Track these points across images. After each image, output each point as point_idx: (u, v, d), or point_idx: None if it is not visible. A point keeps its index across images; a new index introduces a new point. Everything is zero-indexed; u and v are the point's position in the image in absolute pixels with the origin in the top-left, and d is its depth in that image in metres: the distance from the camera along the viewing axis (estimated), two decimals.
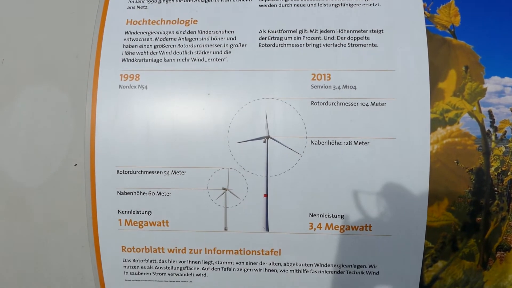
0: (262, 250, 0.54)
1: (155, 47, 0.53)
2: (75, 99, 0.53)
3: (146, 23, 0.54)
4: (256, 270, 0.54)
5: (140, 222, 0.53)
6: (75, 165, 0.53)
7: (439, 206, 0.50)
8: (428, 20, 0.52)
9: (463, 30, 0.51)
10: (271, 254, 0.54)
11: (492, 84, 0.50)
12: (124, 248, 0.54)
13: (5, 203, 0.54)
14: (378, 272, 0.53)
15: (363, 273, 0.53)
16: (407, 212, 0.51)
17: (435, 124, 0.50)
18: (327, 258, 0.53)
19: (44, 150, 0.53)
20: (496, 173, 0.50)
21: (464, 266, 0.52)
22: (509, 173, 0.50)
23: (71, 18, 0.54)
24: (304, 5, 0.54)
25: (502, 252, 0.51)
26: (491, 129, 0.50)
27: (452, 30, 0.52)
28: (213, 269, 0.54)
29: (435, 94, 0.50)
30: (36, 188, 0.53)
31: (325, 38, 0.52)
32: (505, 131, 0.50)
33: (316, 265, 0.53)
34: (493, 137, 0.50)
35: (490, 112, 0.50)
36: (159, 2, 0.55)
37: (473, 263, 0.52)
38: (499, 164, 0.50)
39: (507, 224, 0.51)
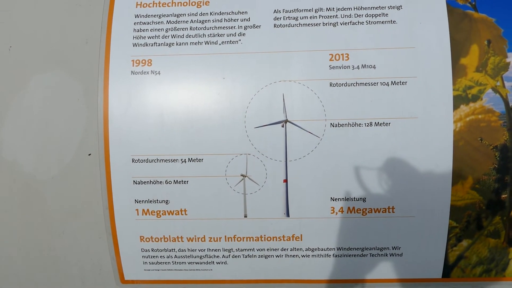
0: (283, 236, 0.53)
1: (166, 31, 0.51)
2: (87, 87, 0.51)
3: (156, 6, 0.52)
4: (277, 256, 0.53)
5: (158, 212, 0.52)
6: (89, 154, 0.51)
7: (463, 185, 0.50)
8: None
9: (484, 2, 0.50)
10: (293, 240, 0.53)
11: None
12: (142, 238, 0.53)
13: (19, 194, 0.53)
14: (402, 254, 0.52)
15: (386, 255, 0.52)
16: (431, 192, 0.50)
17: (457, 101, 0.49)
18: (350, 242, 0.52)
19: (56, 140, 0.51)
20: None
21: (489, 244, 0.51)
22: None
23: (79, 1, 0.52)
24: None
25: None
26: None
27: (473, 3, 0.50)
28: (234, 256, 0.54)
29: (457, 70, 0.49)
30: (50, 179, 0.52)
31: (342, 16, 0.51)
32: None
33: (339, 249, 0.53)
34: None
35: None
36: None
37: (498, 241, 0.51)
38: None
39: None
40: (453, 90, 0.49)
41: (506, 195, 0.50)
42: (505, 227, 0.51)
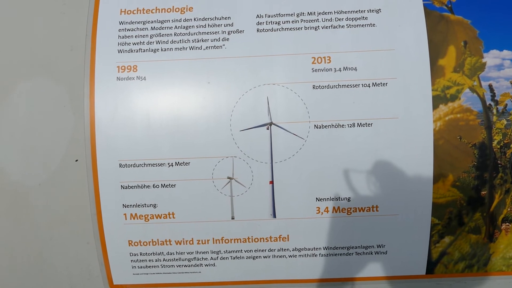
0: (270, 237, 0.53)
1: (151, 37, 0.52)
2: (73, 93, 0.51)
3: (140, 12, 0.53)
4: (265, 257, 0.54)
5: (146, 216, 0.53)
6: (76, 160, 0.52)
7: (444, 182, 0.51)
8: None
9: (460, 5, 0.51)
10: (280, 241, 0.54)
11: (491, 58, 0.50)
12: (130, 242, 0.54)
13: (6, 202, 0.53)
14: (386, 252, 0.53)
15: (371, 253, 0.53)
16: (413, 190, 0.51)
17: (437, 101, 0.50)
18: (336, 241, 0.53)
19: (43, 147, 0.52)
20: (498, 147, 0.50)
21: (471, 239, 0.52)
22: (511, 145, 0.50)
23: (63, 9, 0.53)
24: None
25: (507, 223, 0.52)
26: (492, 103, 0.50)
27: (449, 5, 0.52)
28: (222, 258, 0.54)
29: (436, 71, 0.50)
30: (36, 186, 0.52)
31: (323, 20, 0.52)
32: (506, 104, 0.50)
33: (325, 248, 0.53)
34: (494, 111, 0.50)
35: (490, 86, 0.50)
36: None
37: (479, 236, 0.52)
38: (501, 137, 0.50)
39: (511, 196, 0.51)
40: (432, 90, 0.50)
41: (485, 192, 0.51)
42: (485, 223, 0.52)
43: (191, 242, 0.54)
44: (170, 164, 0.51)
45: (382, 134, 0.50)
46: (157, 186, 0.52)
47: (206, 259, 0.54)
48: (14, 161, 0.52)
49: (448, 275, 0.54)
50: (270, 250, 0.54)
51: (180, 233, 0.53)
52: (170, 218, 0.53)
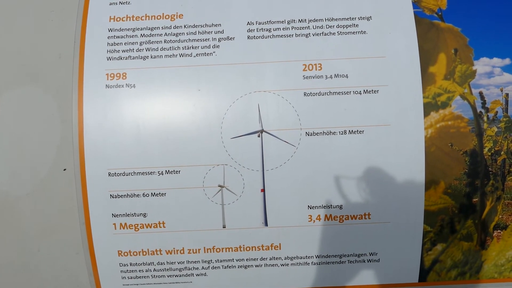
0: (262, 246, 0.53)
1: (141, 44, 0.52)
2: (61, 101, 0.51)
3: (130, 20, 0.52)
4: (256, 266, 0.54)
5: (136, 225, 0.52)
6: (64, 169, 0.51)
7: (435, 189, 0.51)
8: (415, 4, 0.52)
9: (450, 12, 0.52)
10: (271, 249, 0.53)
11: (482, 65, 0.50)
12: (120, 252, 0.53)
13: None
14: (379, 260, 0.53)
15: (363, 261, 0.53)
16: (405, 197, 0.51)
17: (428, 108, 0.50)
18: (328, 249, 0.53)
19: (30, 156, 0.51)
20: (489, 154, 0.50)
21: (463, 247, 0.52)
22: (502, 152, 0.51)
23: (51, 16, 0.52)
24: None
25: (499, 231, 0.52)
26: (483, 110, 0.50)
27: (440, 13, 0.52)
28: (213, 267, 0.54)
29: (427, 78, 0.50)
30: (24, 196, 0.51)
31: (314, 27, 0.52)
32: (497, 112, 0.50)
33: (317, 257, 0.53)
34: (485, 118, 0.50)
35: (481, 94, 0.50)
36: None
37: (471, 244, 0.52)
38: (492, 145, 0.50)
39: (503, 203, 0.51)
40: (423, 97, 0.50)
41: (477, 199, 0.51)
42: (477, 230, 0.52)
43: (181, 251, 0.53)
44: (160, 172, 0.51)
45: (373, 141, 0.50)
46: (147, 195, 0.51)
47: (197, 268, 0.54)
48: (0, 171, 0.51)
49: (440, 283, 0.54)
50: (262, 258, 0.53)
51: (170, 242, 0.53)
52: (160, 227, 0.52)
